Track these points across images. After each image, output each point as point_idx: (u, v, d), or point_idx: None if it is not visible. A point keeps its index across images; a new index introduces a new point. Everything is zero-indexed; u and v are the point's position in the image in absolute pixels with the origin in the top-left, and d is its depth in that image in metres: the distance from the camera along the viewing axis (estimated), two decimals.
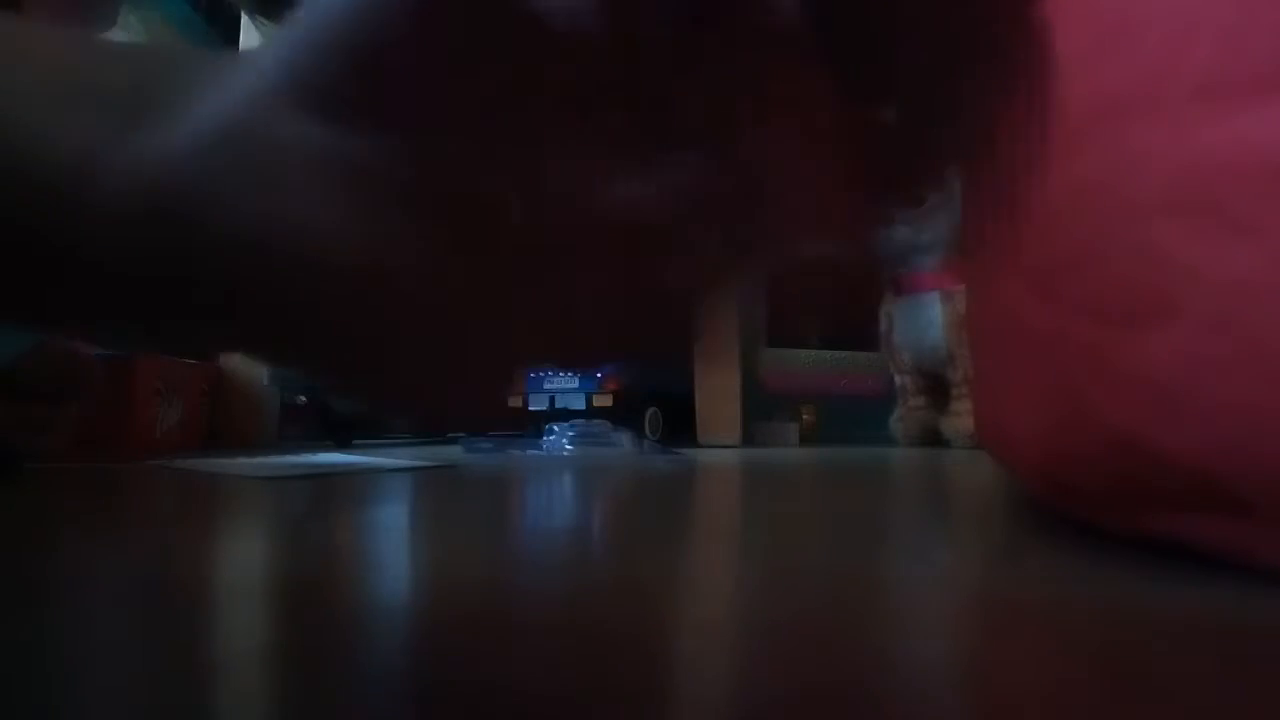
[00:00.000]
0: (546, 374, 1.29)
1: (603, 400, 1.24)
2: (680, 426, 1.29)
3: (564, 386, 1.28)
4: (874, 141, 0.17)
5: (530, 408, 1.30)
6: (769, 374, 1.48)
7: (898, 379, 1.47)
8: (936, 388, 1.42)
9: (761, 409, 1.43)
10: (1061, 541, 0.45)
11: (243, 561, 0.42)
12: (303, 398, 1.30)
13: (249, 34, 1.28)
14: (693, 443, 1.24)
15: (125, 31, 1.36)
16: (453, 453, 1.10)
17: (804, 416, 1.46)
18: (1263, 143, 0.32)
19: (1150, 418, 0.36)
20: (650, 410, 1.25)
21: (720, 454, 1.15)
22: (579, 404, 1.26)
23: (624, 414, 1.22)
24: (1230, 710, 0.22)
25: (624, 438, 1.13)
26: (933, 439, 1.41)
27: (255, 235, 0.15)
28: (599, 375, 1.26)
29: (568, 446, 1.11)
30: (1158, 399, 0.36)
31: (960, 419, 1.35)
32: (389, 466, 0.88)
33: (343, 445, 1.19)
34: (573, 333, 0.18)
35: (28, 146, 0.16)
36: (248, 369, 1.25)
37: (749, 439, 1.35)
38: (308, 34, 0.16)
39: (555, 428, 1.15)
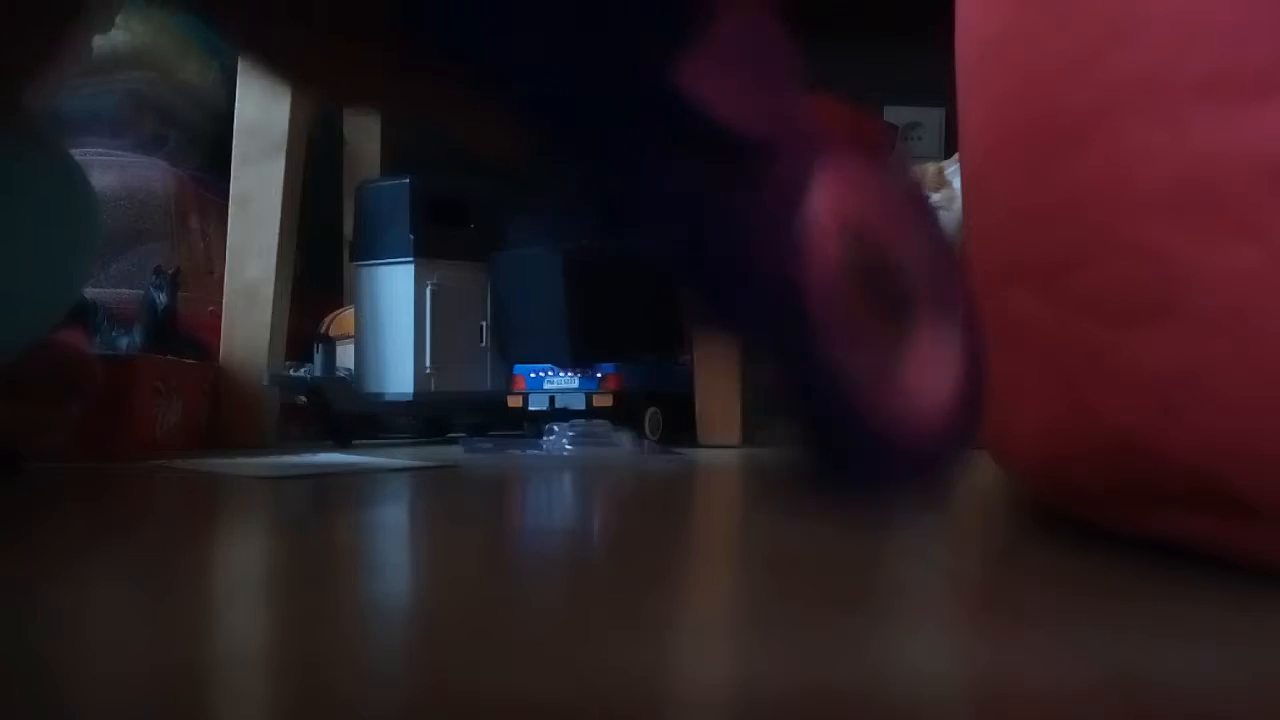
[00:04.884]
0: (546, 374, 1.29)
1: (603, 400, 1.24)
2: (680, 426, 1.28)
3: (564, 386, 1.28)
4: None
5: (530, 408, 1.29)
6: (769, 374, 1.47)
7: None
8: None
9: (762, 409, 1.42)
10: (1061, 541, 0.44)
11: (243, 561, 0.42)
12: (303, 398, 1.30)
13: None
14: (693, 443, 1.24)
15: (127, 33, 1.36)
16: (453, 453, 1.10)
17: None
18: (1263, 143, 0.32)
19: (1150, 418, 0.36)
20: (650, 410, 1.25)
21: (720, 454, 1.15)
22: (579, 404, 1.25)
23: (624, 414, 1.22)
24: (1233, 713, 0.22)
25: (624, 438, 1.13)
26: None
27: None
28: (599, 375, 1.26)
29: (568, 446, 1.11)
30: (1158, 399, 0.36)
31: None
32: (389, 466, 0.88)
33: (343, 445, 1.19)
34: None
35: None
36: (248, 369, 1.25)
37: (749, 439, 1.35)
38: None
39: (555, 428, 1.15)
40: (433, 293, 1.29)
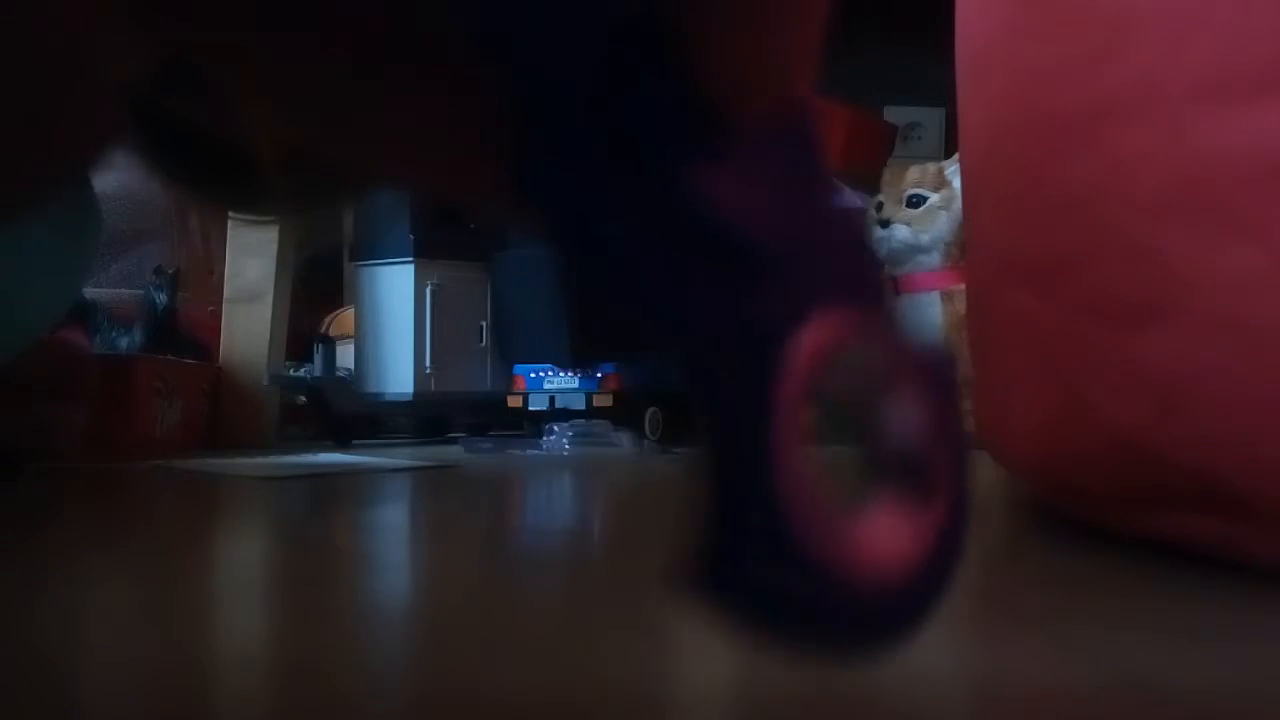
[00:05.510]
0: (546, 374, 1.29)
1: (603, 400, 1.24)
2: (680, 426, 1.28)
3: (564, 386, 1.28)
4: None
5: (530, 408, 1.29)
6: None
7: None
8: None
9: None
10: (1061, 541, 0.44)
11: (243, 561, 0.42)
12: (303, 398, 1.30)
13: None
14: (693, 443, 1.24)
15: None
16: (453, 453, 1.10)
17: None
18: (1263, 143, 0.32)
19: (1150, 418, 0.36)
20: (650, 410, 1.25)
21: None
22: (579, 404, 1.25)
23: (624, 414, 1.22)
24: (1233, 713, 0.22)
25: (624, 438, 1.13)
26: None
27: None
28: (599, 375, 1.26)
29: (568, 446, 1.11)
30: (1158, 399, 0.36)
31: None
32: (389, 466, 0.88)
33: (343, 445, 1.19)
34: None
35: None
36: (248, 369, 1.25)
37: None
38: None
39: (555, 428, 1.15)
40: (433, 293, 1.29)
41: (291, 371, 1.30)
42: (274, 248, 1.26)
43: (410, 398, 1.27)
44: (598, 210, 0.13)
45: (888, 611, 0.14)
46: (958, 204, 1.37)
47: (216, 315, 1.26)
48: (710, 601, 0.13)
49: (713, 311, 0.13)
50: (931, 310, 1.38)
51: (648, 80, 0.13)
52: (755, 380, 0.13)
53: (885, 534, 0.14)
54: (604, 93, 0.13)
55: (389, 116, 0.16)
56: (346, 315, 1.43)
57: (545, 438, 1.13)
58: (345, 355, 1.34)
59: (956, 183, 1.37)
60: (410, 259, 1.28)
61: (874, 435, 0.15)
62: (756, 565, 0.13)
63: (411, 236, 1.28)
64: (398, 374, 1.28)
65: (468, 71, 0.14)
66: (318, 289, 1.55)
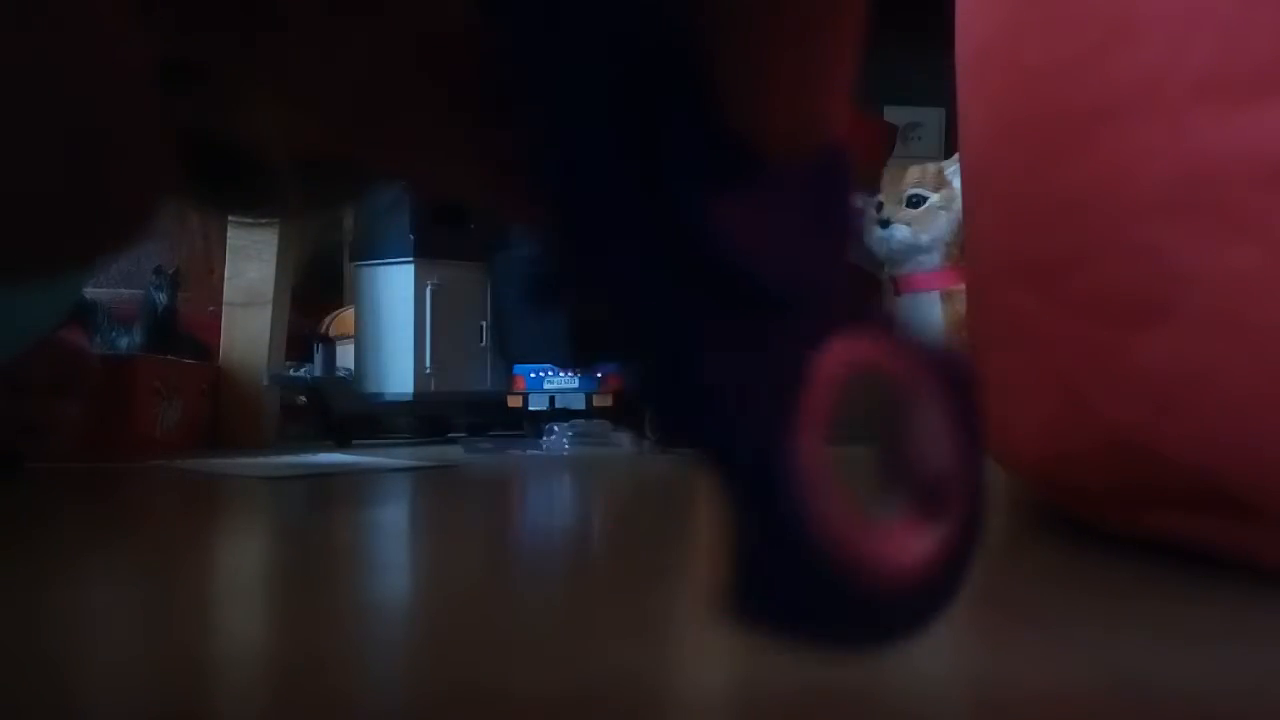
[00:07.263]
0: (546, 374, 1.29)
1: (603, 400, 1.24)
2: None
3: (564, 386, 1.28)
4: None
5: (530, 408, 1.30)
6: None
7: None
8: None
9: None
10: (1061, 541, 0.44)
11: (243, 561, 0.42)
12: (303, 398, 1.30)
13: None
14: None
15: None
16: (453, 453, 1.10)
17: None
18: (1263, 143, 0.32)
19: (1149, 417, 0.36)
20: (650, 410, 1.25)
21: None
22: (579, 404, 1.25)
23: (624, 414, 1.22)
24: (1233, 713, 0.22)
25: (624, 438, 1.13)
26: None
27: None
28: (599, 375, 1.26)
29: (567, 446, 1.11)
30: (1157, 398, 0.36)
31: None
32: (389, 466, 0.88)
33: (343, 445, 1.19)
34: None
35: None
36: (247, 369, 1.25)
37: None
38: None
39: (555, 428, 1.15)
40: (433, 293, 1.29)
41: (291, 371, 1.30)
42: (274, 248, 1.26)
43: (410, 398, 1.27)
44: (608, 222, 0.13)
45: (898, 614, 0.14)
46: (958, 204, 1.37)
47: (216, 315, 1.26)
48: (750, 623, 0.14)
49: (710, 340, 0.13)
50: (931, 310, 1.38)
51: (680, 109, 0.13)
52: (774, 409, 0.13)
53: (901, 542, 0.14)
54: (634, 113, 0.13)
55: (409, 115, 0.15)
56: (346, 315, 1.43)
57: (545, 438, 1.13)
58: (345, 355, 1.34)
59: (956, 183, 1.37)
60: (410, 259, 1.28)
61: (893, 447, 0.15)
62: (790, 585, 0.13)
63: (411, 236, 1.28)
64: (398, 374, 1.28)
65: (491, 70, 0.14)
66: (318, 289, 1.55)
